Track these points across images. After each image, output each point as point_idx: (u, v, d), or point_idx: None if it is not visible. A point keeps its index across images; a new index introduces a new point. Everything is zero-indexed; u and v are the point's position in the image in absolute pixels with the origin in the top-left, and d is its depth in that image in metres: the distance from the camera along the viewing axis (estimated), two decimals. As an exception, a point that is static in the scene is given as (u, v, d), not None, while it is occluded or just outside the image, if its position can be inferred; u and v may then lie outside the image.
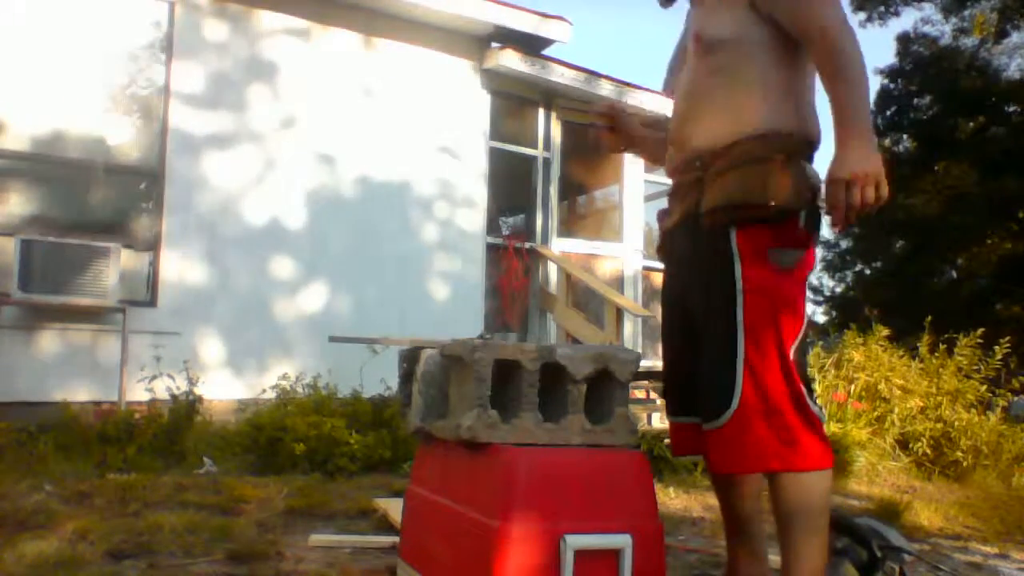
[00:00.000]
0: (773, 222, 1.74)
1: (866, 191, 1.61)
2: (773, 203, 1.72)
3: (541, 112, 7.24)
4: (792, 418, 1.70)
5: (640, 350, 7.18)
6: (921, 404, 6.43)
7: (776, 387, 1.71)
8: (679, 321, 1.99)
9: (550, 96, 7.18)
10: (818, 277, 23.13)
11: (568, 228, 7.94)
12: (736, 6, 1.81)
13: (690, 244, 1.90)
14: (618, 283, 7.48)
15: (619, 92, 7.21)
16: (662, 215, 2.10)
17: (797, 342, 1.75)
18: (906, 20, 20.70)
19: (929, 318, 7.25)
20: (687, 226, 1.91)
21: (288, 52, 5.92)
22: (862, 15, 20.02)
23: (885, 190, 1.63)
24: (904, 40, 19.84)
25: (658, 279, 7.72)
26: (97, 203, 5.43)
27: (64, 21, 5.20)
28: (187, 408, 4.63)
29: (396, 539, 2.45)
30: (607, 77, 7.25)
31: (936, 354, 6.93)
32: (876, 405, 6.41)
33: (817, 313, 23.35)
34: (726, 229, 1.78)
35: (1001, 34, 18.44)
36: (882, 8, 19.76)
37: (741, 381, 1.72)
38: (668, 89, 2.13)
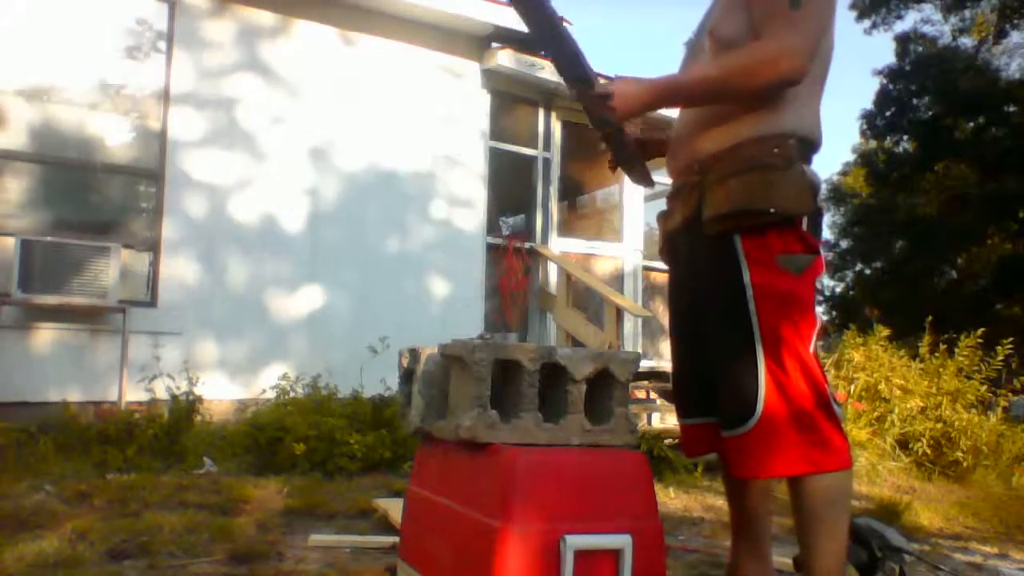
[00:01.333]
0: (777, 227, 1.74)
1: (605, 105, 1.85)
2: (774, 209, 1.71)
3: (541, 112, 7.24)
4: (820, 419, 1.70)
5: (640, 350, 7.18)
6: (921, 404, 6.43)
7: (800, 391, 1.70)
8: (687, 324, 1.97)
9: (550, 96, 7.18)
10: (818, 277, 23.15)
11: (568, 228, 7.93)
12: (745, 8, 1.79)
13: (693, 248, 1.88)
14: (618, 283, 7.48)
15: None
16: (662, 216, 2.08)
17: (812, 343, 1.75)
18: (908, 23, 20.69)
19: (929, 318, 7.25)
20: (689, 230, 1.89)
21: (288, 52, 5.92)
22: (867, 23, 20.08)
23: (613, 118, 1.89)
24: (903, 40, 19.86)
25: (658, 279, 7.74)
26: (97, 203, 5.43)
27: (64, 21, 5.19)
28: (187, 408, 4.63)
29: (396, 539, 2.45)
30: (607, 77, 7.23)
31: (936, 354, 6.93)
32: (876, 405, 6.42)
33: (817, 313, 23.39)
34: (730, 236, 1.76)
35: (1001, 34, 18.45)
36: (884, 12, 19.79)
37: (764, 388, 1.70)
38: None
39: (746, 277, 1.74)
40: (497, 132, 6.92)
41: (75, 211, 5.34)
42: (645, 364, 6.59)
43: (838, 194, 24.48)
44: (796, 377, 1.70)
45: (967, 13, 19.08)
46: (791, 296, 1.73)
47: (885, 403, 6.41)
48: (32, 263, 4.67)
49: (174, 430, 4.48)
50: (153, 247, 5.38)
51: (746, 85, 1.70)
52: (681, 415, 2.02)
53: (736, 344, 1.75)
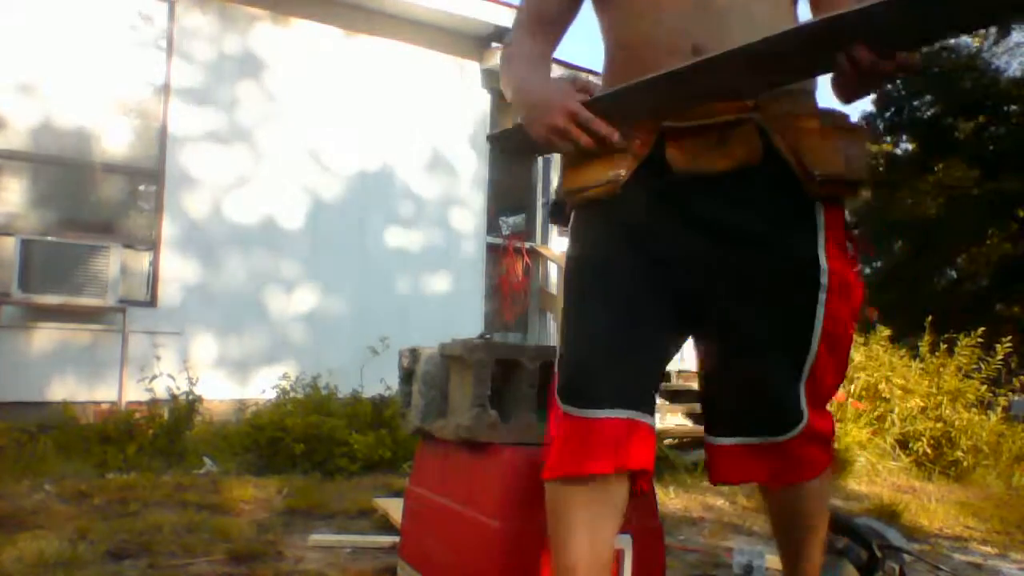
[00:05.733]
0: (841, 203, 1.41)
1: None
2: (860, 181, 1.38)
3: (541, 112, 7.24)
4: (832, 419, 1.53)
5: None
6: (921, 404, 6.43)
7: (831, 393, 1.48)
8: (672, 302, 1.43)
9: (550, 96, 7.18)
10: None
11: (568, 228, 7.94)
12: None
13: (735, 209, 1.38)
14: (618, 283, 7.47)
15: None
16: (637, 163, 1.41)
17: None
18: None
19: (930, 318, 7.25)
20: (740, 183, 1.37)
21: (288, 52, 5.92)
22: None
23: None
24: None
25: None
26: (97, 203, 5.43)
27: (64, 20, 5.19)
28: (187, 408, 4.63)
29: (396, 539, 2.45)
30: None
31: (936, 354, 6.93)
32: (876, 405, 6.41)
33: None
34: (812, 205, 1.37)
35: (1002, 33, 18.43)
36: None
37: (805, 390, 1.42)
38: None
39: (823, 259, 1.37)
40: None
41: (75, 210, 5.34)
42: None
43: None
44: (834, 380, 1.47)
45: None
46: (854, 290, 1.44)
47: (885, 403, 6.41)
48: (32, 263, 4.67)
49: (174, 430, 4.48)
50: (153, 246, 5.38)
51: None
52: (718, 434, 1.49)
53: (791, 336, 1.40)
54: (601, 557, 1.37)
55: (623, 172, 1.40)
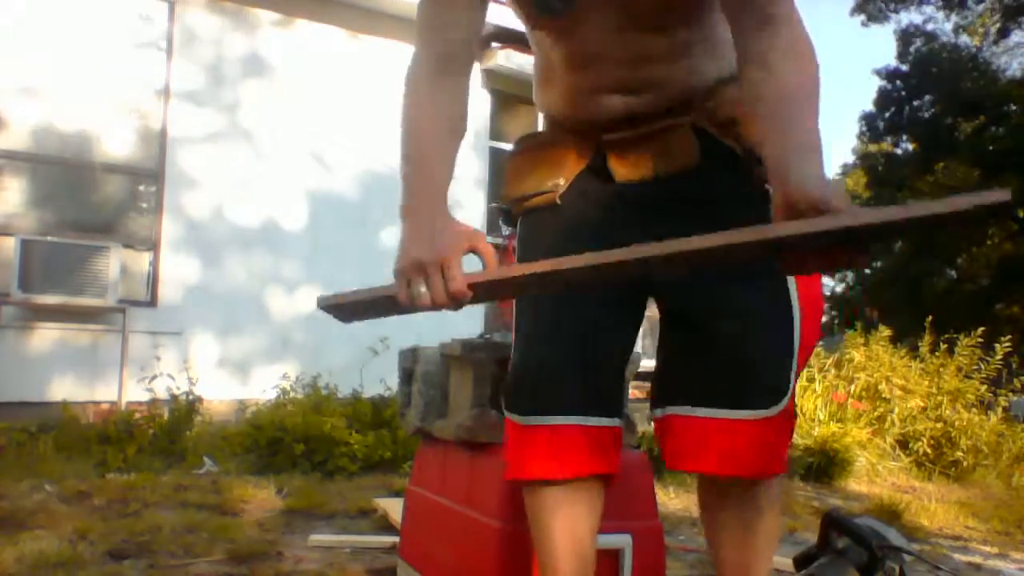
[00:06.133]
0: None
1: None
2: None
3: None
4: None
5: (640, 350, 7.18)
6: (921, 404, 6.43)
7: (796, 374, 1.38)
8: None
9: (550, 96, 7.19)
10: (818, 277, 23.17)
11: (568, 228, 7.94)
12: None
13: (690, 210, 1.32)
14: (618, 283, 7.48)
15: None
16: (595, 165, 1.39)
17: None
18: (907, 21, 20.68)
19: (930, 318, 7.25)
20: (679, 185, 1.34)
21: (287, 51, 5.92)
22: (862, 16, 20.07)
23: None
24: (905, 37, 19.85)
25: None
26: (97, 203, 5.43)
27: (64, 20, 5.19)
28: (187, 408, 4.63)
29: (396, 539, 2.45)
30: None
31: (936, 354, 6.93)
32: (876, 405, 6.41)
33: (817, 313, 23.37)
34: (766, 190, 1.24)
35: (1002, 33, 18.46)
36: (881, 4, 19.78)
37: (794, 369, 1.33)
38: None
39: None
40: (497, 132, 6.92)
41: (75, 211, 5.34)
42: (646, 364, 6.59)
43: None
44: (801, 361, 1.40)
45: (968, 13, 19.09)
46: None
47: (885, 403, 6.41)
48: (32, 263, 4.67)
49: (174, 430, 4.48)
50: (153, 247, 5.38)
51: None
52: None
53: (778, 311, 1.33)
54: (582, 555, 1.36)
55: (562, 181, 1.39)
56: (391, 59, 6.37)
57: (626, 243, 1.21)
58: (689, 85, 1.34)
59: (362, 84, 6.22)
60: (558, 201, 1.39)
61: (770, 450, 1.30)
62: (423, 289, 1.21)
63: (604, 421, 1.37)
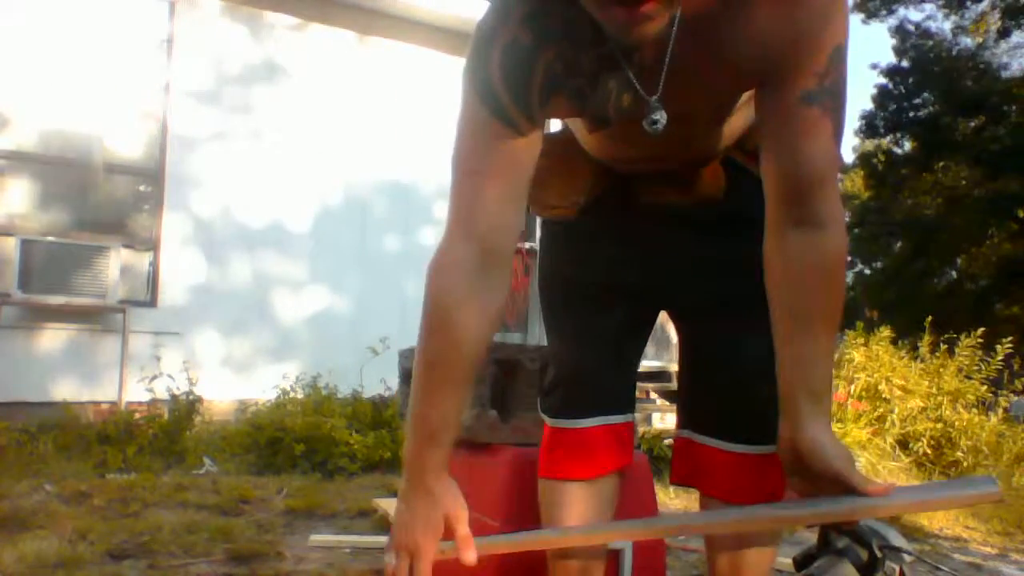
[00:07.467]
0: None
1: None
2: None
3: (541, 112, 7.24)
4: None
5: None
6: (921, 404, 6.42)
7: None
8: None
9: (550, 96, 7.18)
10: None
11: (568, 228, 7.94)
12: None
13: (710, 239, 1.37)
14: (618, 283, 7.48)
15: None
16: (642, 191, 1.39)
17: None
18: (913, 17, 20.63)
19: (929, 318, 7.25)
20: (703, 213, 1.36)
21: (289, 51, 5.92)
22: (862, 14, 20.05)
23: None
24: (903, 34, 19.83)
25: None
26: (97, 203, 5.43)
27: (65, 20, 5.19)
28: (187, 408, 4.63)
29: (396, 539, 2.44)
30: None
31: (937, 354, 6.93)
32: (876, 405, 6.41)
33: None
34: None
35: (1002, 33, 18.45)
36: (879, 1, 19.77)
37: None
38: None
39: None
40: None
41: (75, 210, 5.34)
42: (646, 364, 6.59)
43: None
44: None
45: (968, 12, 19.08)
46: None
47: (885, 403, 6.40)
48: (32, 263, 4.68)
49: (174, 430, 4.48)
50: (153, 247, 5.38)
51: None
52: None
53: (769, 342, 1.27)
54: (593, 548, 1.41)
55: (581, 200, 1.41)
56: (394, 60, 6.38)
57: (646, 251, 1.37)
58: (723, 146, 1.33)
59: (363, 84, 6.22)
60: (576, 216, 1.43)
61: (774, 481, 1.35)
62: (404, 565, 1.26)
63: (623, 418, 1.44)
